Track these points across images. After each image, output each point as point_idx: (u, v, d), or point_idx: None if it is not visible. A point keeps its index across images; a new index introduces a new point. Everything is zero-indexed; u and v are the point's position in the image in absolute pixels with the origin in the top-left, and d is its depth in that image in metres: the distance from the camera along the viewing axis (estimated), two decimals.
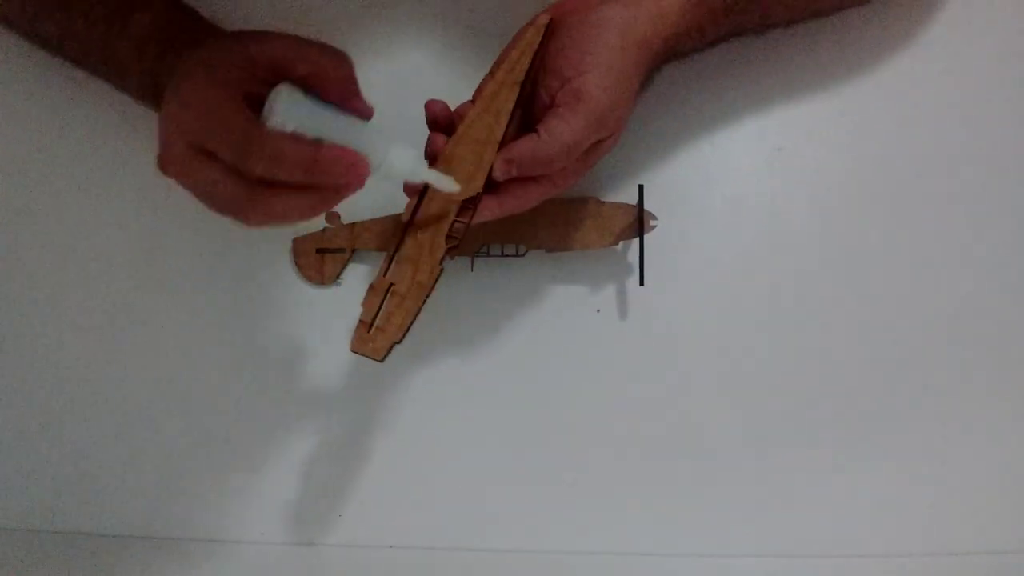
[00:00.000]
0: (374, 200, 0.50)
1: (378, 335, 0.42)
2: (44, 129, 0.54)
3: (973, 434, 0.50)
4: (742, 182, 0.52)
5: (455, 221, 0.43)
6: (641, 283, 0.48)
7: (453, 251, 0.43)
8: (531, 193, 0.43)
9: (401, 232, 0.43)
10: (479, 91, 0.44)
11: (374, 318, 0.42)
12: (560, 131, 0.41)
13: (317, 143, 0.34)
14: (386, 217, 0.51)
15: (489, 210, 0.43)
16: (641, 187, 0.49)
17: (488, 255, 0.51)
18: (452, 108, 0.44)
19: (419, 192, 0.43)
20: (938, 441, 0.50)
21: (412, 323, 0.42)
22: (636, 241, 0.49)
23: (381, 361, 0.42)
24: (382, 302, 0.42)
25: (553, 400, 0.51)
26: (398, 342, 0.42)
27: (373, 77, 0.52)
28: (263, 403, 0.52)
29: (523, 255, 0.50)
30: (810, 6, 0.51)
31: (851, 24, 0.53)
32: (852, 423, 0.50)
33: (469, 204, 0.43)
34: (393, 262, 0.43)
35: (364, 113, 0.37)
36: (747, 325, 0.51)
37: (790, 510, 0.50)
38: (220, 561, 0.51)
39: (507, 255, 0.50)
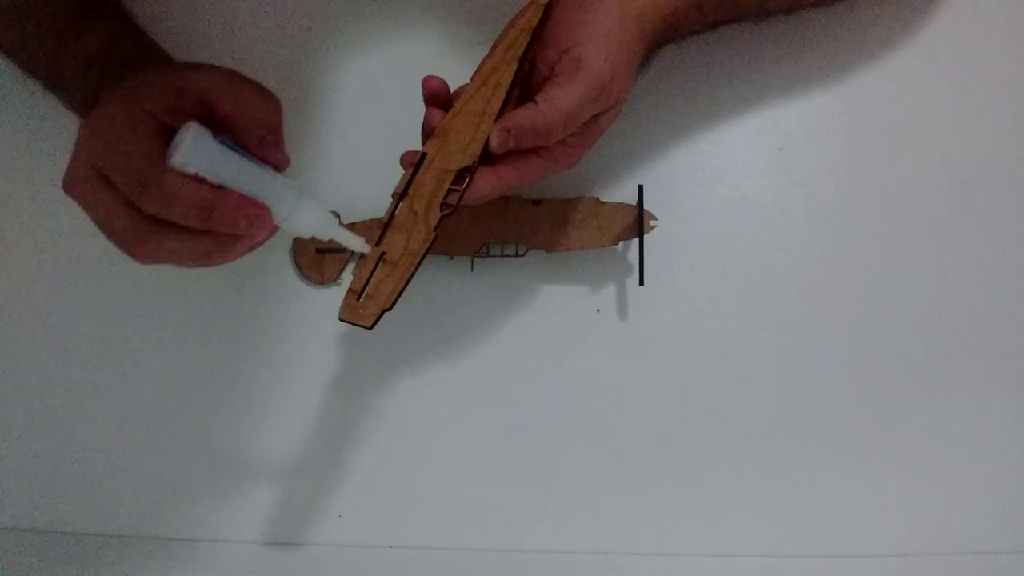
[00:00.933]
0: (374, 200, 0.50)
1: (368, 303, 0.40)
2: (45, 127, 0.54)
3: (973, 434, 0.50)
4: (743, 182, 0.52)
5: (450, 190, 0.41)
6: (641, 283, 0.48)
7: (448, 218, 0.41)
8: (530, 166, 0.42)
9: (394, 202, 0.42)
10: (479, 69, 0.43)
11: (364, 287, 0.41)
12: (558, 99, 0.40)
13: (217, 189, 0.33)
14: None
15: (487, 182, 0.41)
16: (641, 187, 0.49)
17: (488, 255, 0.51)
18: (451, 88, 0.44)
19: (413, 165, 0.42)
20: (938, 441, 0.50)
21: (403, 290, 0.40)
22: (636, 241, 0.49)
23: (370, 328, 0.40)
24: (373, 271, 0.41)
25: (553, 400, 0.51)
26: (388, 309, 0.40)
27: (372, 61, 0.53)
28: (263, 403, 0.52)
29: (523, 255, 0.50)
30: None
31: (852, 24, 0.53)
32: (853, 423, 0.50)
33: (466, 174, 0.41)
34: (386, 232, 0.42)
35: (279, 163, 0.36)
36: (747, 325, 0.51)
37: (790, 510, 0.50)
38: (220, 561, 0.51)
39: (507, 255, 0.50)
